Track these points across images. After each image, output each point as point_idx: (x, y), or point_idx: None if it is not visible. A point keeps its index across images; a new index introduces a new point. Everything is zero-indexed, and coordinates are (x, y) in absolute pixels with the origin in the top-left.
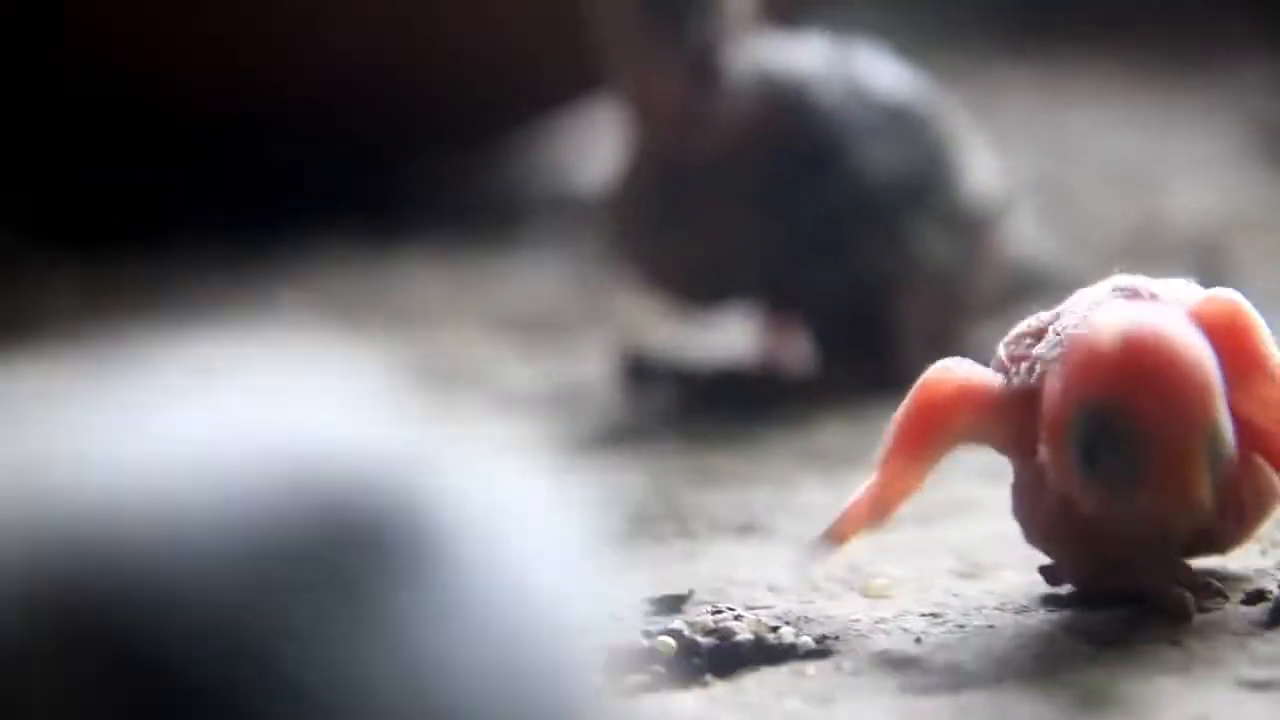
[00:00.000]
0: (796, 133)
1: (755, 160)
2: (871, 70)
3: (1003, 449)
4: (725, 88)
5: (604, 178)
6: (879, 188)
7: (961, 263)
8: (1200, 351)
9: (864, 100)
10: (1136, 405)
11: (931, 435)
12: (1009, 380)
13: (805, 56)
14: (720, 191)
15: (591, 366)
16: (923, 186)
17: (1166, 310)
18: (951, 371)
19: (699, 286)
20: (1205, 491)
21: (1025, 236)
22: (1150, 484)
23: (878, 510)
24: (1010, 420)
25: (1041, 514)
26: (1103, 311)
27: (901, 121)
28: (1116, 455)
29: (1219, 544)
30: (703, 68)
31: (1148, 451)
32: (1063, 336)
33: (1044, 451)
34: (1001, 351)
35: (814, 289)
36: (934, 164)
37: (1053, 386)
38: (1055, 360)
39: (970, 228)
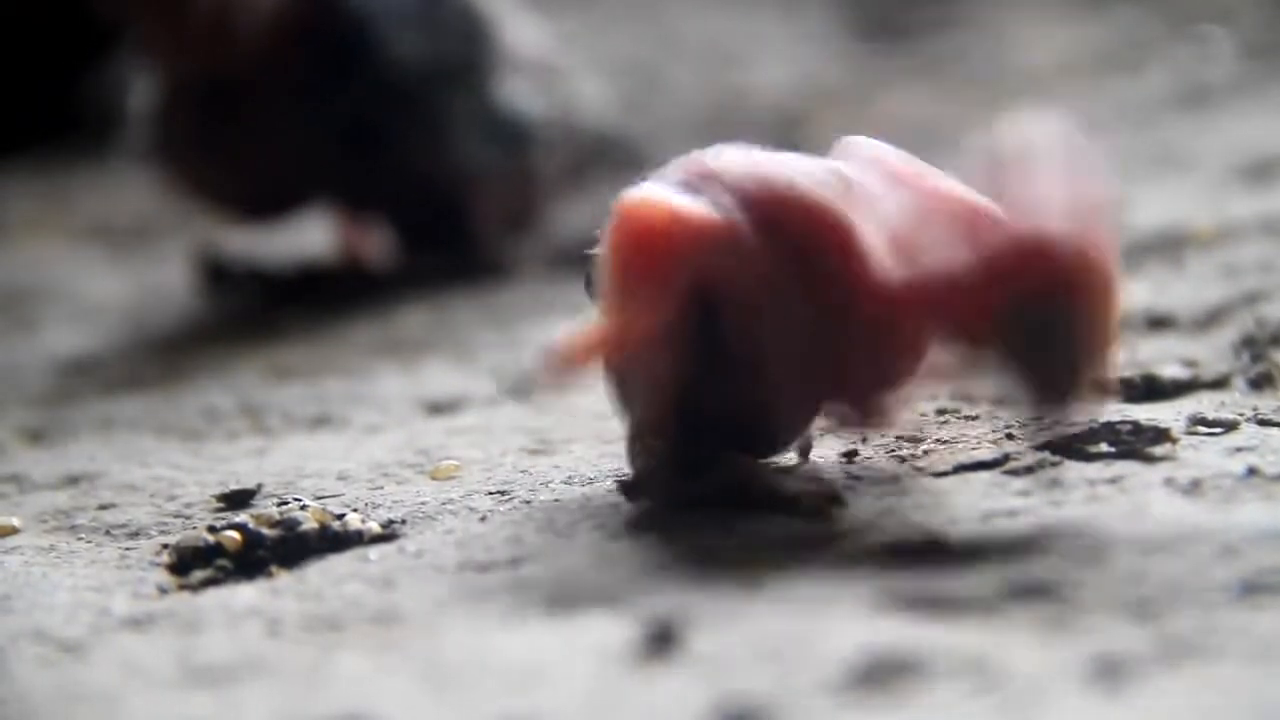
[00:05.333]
0: (327, 29)
1: (295, 64)
2: None
3: (737, 282)
4: None
5: (140, 112)
6: (421, 76)
7: (526, 145)
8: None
9: None
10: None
11: (663, 266)
12: (725, 211)
13: None
14: (267, 101)
15: (175, 272)
16: (468, 70)
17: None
18: (653, 197)
19: (265, 198)
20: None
21: (594, 107)
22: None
23: (618, 347)
24: (748, 253)
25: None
26: (1018, 205)
27: (435, 6)
28: (1063, 338)
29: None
30: None
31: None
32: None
33: (961, 343)
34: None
35: (382, 185)
36: (478, 48)
37: (954, 279)
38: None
39: (529, 108)
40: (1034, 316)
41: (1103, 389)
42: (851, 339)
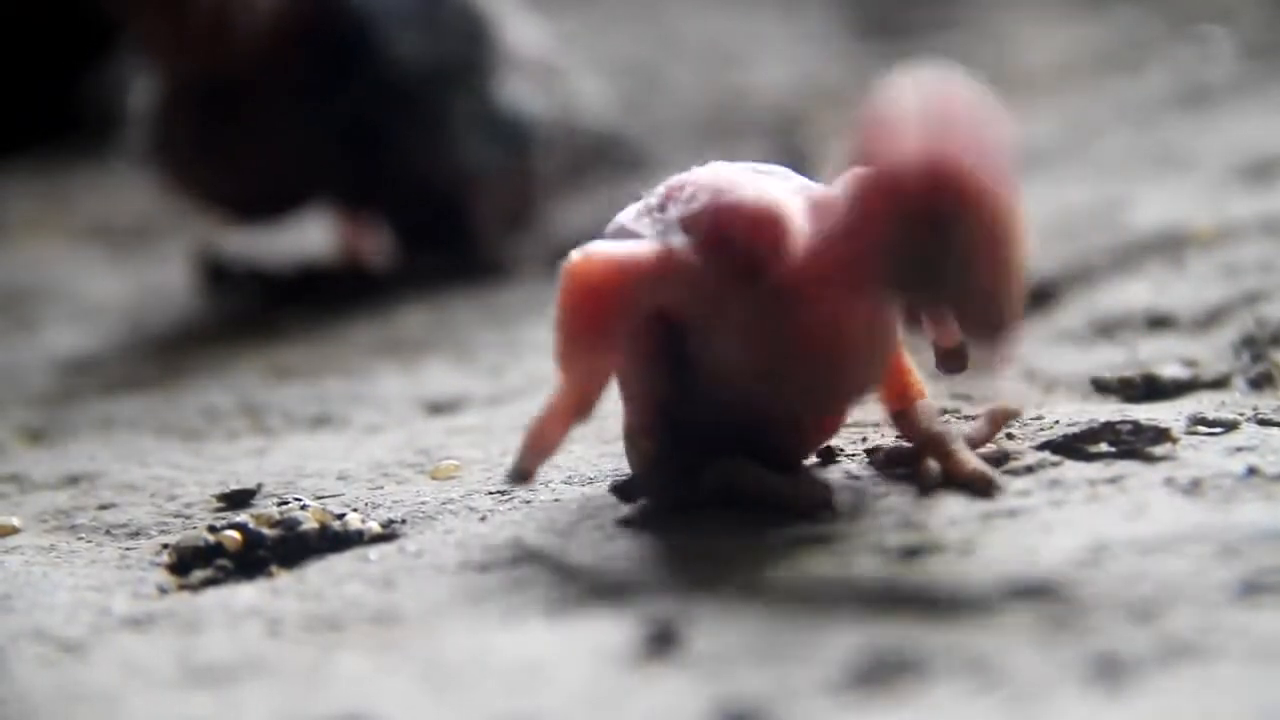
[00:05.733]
0: (327, 29)
1: (295, 64)
2: None
3: (687, 306)
4: None
5: (139, 112)
6: (421, 77)
7: (526, 144)
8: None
9: None
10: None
11: (606, 316)
12: (665, 242)
13: None
14: (267, 101)
15: (175, 272)
16: (468, 71)
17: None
18: (594, 254)
19: (265, 199)
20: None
21: (594, 107)
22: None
23: (581, 410)
24: (691, 276)
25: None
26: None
27: (435, 6)
28: (946, 264)
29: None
30: None
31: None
32: (698, 193)
33: (855, 277)
34: (631, 224)
35: (382, 185)
36: (479, 49)
37: (848, 219)
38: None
39: (529, 108)
40: (907, 252)
41: (1018, 307)
42: (801, 333)
